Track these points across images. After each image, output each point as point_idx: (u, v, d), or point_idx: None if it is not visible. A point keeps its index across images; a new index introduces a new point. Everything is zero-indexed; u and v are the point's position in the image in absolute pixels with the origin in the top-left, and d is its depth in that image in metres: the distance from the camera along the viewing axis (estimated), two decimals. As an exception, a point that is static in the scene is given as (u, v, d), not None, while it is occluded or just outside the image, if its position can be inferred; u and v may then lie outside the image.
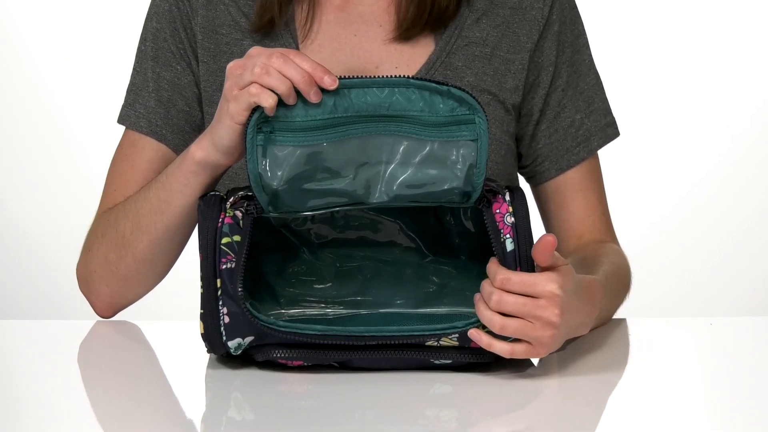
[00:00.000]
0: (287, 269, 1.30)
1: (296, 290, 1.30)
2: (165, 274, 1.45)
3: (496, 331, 1.20)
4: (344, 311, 1.29)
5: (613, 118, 1.56)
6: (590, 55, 1.55)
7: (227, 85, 1.24)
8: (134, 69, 1.53)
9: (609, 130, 1.55)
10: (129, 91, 1.53)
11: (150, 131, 1.50)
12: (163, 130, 1.50)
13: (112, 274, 1.43)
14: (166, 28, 1.51)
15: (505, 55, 1.49)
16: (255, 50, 1.23)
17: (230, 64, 1.24)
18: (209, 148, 1.29)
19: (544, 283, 1.20)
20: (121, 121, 1.52)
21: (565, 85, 1.52)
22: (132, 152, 1.50)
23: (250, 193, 1.23)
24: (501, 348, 1.21)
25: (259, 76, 1.21)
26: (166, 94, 1.50)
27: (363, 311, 1.29)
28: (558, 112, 1.52)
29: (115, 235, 1.42)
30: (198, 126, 1.50)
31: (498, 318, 1.19)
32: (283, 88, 1.20)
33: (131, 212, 1.40)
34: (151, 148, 1.50)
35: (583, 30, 1.55)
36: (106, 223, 1.45)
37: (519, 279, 1.20)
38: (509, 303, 1.19)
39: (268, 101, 1.20)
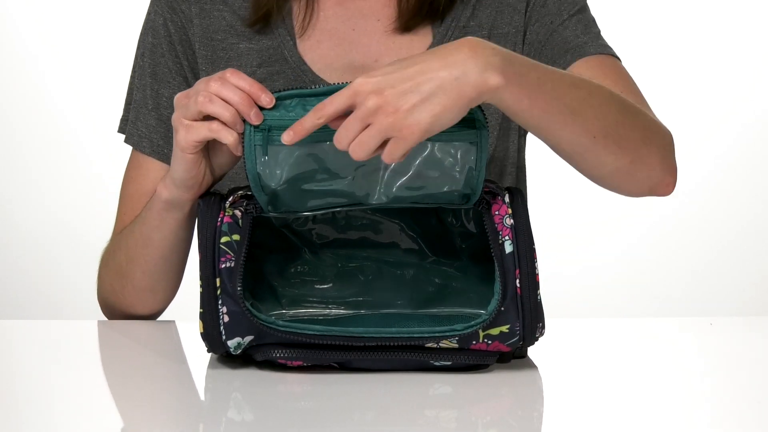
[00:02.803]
0: (289, 269, 1.30)
1: (298, 290, 1.30)
2: (169, 299, 1.47)
3: (357, 149, 1.15)
4: (345, 312, 1.29)
5: (610, 47, 1.49)
6: (587, 4, 1.51)
7: (174, 115, 1.24)
8: (135, 84, 1.54)
9: (608, 49, 1.48)
10: (132, 107, 1.53)
11: (152, 152, 1.50)
12: (165, 150, 1.50)
13: (120, 301, 1.46)
14: (162, 43, 1.51)
15: (502, 30, 1.49)
16: (200, 81, 1.23)
17: (177, 96, 1.24)
18: (171, 186, 1.30)
19: (342, 91, 1.15)
20: (126, 139, 1.53)
21: (555, 17, 1.48)
22: (137, 175, 1.51)
23: (250, 193, 1.23)
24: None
25: (203, 104, 1.20)
26: (166, 112, 1.50)
27: (364, 311, 1.29)
28: (548, 36, 1.48)
29: (114, 265, 1.45)
30: None
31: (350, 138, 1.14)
32: (227, 114, 1.20)
33: (123, 244, 1.43)
34: (154, 169, 1.50)
35: None
36: (110, 252, 1.47)
37: (328, 101, 1.15)
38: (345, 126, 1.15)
39: (228, 138, 1.21)
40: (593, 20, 1.50)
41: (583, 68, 1.44)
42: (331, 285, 1.30)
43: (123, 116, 1.55)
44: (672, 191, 1.38)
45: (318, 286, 1.30)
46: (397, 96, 1.14)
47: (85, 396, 1.20)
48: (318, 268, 1.30)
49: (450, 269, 1.30)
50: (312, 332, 1.19)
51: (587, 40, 1.47)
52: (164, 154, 1.50)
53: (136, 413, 1.14)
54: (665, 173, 1.35)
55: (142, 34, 1.53)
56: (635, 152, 1.31)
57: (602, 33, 1.50)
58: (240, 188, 1.26)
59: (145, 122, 1.51)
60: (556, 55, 1.46)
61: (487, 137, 1.20)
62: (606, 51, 1.47)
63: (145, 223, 1.37)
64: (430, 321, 1.26)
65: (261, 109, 1.20)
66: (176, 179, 1.28)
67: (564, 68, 1.44)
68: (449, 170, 1.20)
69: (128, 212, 1.49)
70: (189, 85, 1.50)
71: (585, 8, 1.51)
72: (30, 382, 1.25)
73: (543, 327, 1.23)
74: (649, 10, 3.34)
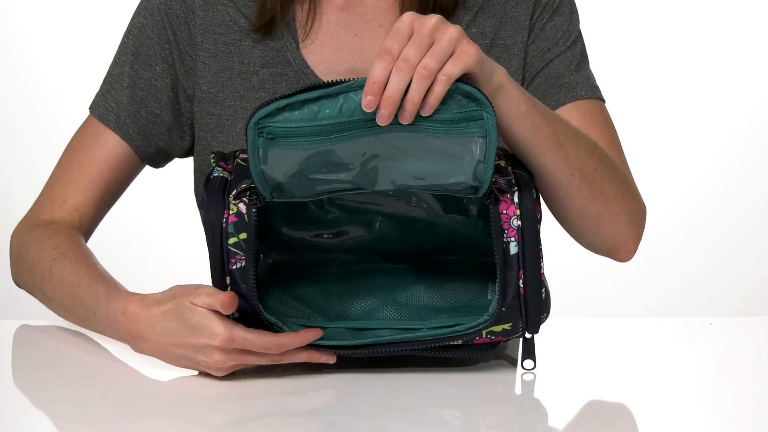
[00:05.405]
0: (296, 218, 1.30)
1: (304, 235, 1.30)
2: None
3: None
4: (351, 258, 1.29)
5: (598, 86, 1.52)
6: (581, 32, 1.53)
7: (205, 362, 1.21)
8: (114, 59, 1.52)
9: (597, 91, 1.51)
10: (106, 81, 1.52)
11: (116, 127, 1.49)
12: (129, 129, 1.49)
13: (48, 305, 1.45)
14: (153, 26, 1.50)
15: (505, 42, 1.49)
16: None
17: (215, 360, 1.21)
18: (126, 341, 1.28)
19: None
20: (92, 109, 1.52)
21: (551, 45, 1.49)
22: (93, 143, 1.50)
23: (254, 185, 1.22)
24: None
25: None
26: (141, 93, 1.50)
27: (370, 266, 1.29)
28: (543, 66, 1.50)
29: (35, 287, 1.45)
30: (165, 128, 1.50)
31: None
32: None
33: (52, 290, 1.40)
34: (113, 143, 1.49)
35: (576, 9, 1.53)
36: (33, 262, 1.46)
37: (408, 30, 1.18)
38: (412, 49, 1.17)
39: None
40: (585, 53, 1.53)
41: (573, 112, 1.47)
42: (338, 231, 1.30)
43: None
44: (630, 259, 1.43)
45: (325, 236, 1.30)
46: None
47: (83, 395, 1.20)
48: (325, 219, 1.30)
49: (459, 225, 1.30)
50: (319, 343, 1.21)
51: (579, 79, 1.49)
52: (127, 133, 1.49)
53: (135, 412, 1.14)
54: (629, 238, 1.40)
55: (134, 14, 1.52)
56: (605, 205, 1.35)
57: (591, 63, 1.53)
58: (241, 150, 1.26)
59: (116, 97, 1.50)
60: (549, 89, 1.48)
61: (495, 130, 1.19)
62: (595, 94, 1.50)
63: (80, 317, 1.36)
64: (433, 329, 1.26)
65: (267, 116, 1.18)
66: (142, 352, 1.26)
67: (556, 106, 1.47)
68: (457, 162, 1.19)
69: (73, 181, 1.48)
70: (172, 74, 1.49)
71: (579, 39, 1.53)
72: (29, 382, 1.25)
73: (547, 315, 1.24)
74: (648, 10, 3.34)
